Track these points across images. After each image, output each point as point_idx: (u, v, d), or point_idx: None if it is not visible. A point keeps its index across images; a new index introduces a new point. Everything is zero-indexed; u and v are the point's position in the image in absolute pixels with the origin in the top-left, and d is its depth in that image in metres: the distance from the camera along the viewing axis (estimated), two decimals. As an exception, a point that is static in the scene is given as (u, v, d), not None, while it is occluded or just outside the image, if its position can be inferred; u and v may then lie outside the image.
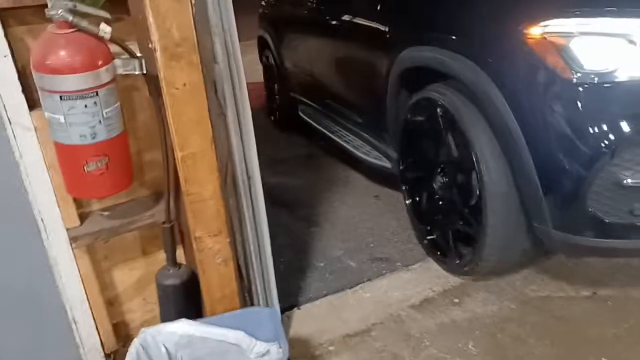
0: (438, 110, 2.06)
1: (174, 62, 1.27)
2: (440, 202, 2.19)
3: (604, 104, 1.57)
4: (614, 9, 1.58)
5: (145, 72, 1.36)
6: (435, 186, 2.20)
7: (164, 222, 1.54)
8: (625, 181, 1.55)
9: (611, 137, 1.54)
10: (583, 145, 1.59)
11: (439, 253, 2.22)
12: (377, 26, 2.48)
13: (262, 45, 4.46)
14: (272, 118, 4.52)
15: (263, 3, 4.36)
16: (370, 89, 2.63)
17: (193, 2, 1.26)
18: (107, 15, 1.25)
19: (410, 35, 2.24)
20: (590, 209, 1.61)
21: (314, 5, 3.28)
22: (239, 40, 1.59)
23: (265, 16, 4.31)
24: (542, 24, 1.63)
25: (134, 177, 1.46)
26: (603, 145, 1.55)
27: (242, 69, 1.59)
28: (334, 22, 3.00)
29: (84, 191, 1.39)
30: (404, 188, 2.46)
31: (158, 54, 1.25)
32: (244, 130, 1.66)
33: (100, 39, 1.24)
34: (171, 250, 1.58)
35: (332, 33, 3.03)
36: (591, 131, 1.57)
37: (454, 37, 1.97)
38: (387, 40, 2.40)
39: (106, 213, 1.57)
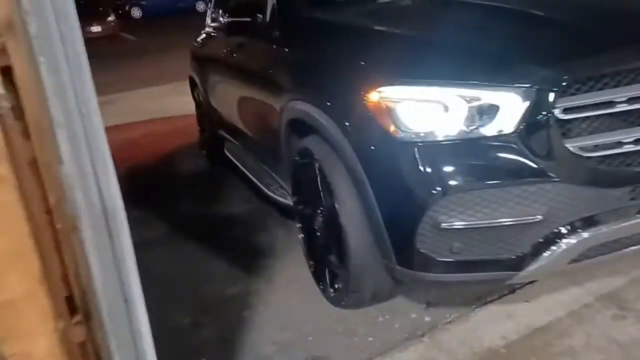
0: (313, 158, 2.32)
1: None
2: (320, 239, 2.44)
3: (425, 160, 1.83)
4: (433, 79, 1.86)
5: None
6: (316, 224, 2.46)
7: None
8: (442, 224, 1.81)
9: (430, 187, 1.81)
10: (408, 194, 1.86)
11: (321, 285, 2.47)
12: (272, 77, 2.75)
13: (192, 84, 4.81)
14: (204, 152, 4.79)
15: (194, 43, 4.65)
16: (270, 131, 2.88)
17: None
18: None
19: (293, 89, 2.52)
20: (420, 248, 1.88)
21: (228, 51, 3.54)
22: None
23: (194, 56, 4.62)
24: (378, 90, 1.91)
25: None
26: (423, 194, 1.82)
27: (110, 166, 1.05)
28: (242, 68, 3.27)
29: None
30: (298, 225, 2.70)
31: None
32: (117, 250, 1.08)
33: None
34: None
35: (242, 78, 3.30)
36: (414, 182, 1.84)
37: (318, 96, 2.25)
38: (279, 91, 2.66)
39: None
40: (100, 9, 18.78)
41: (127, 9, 23.47)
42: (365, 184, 1.98)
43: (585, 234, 1.80)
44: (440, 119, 1.81)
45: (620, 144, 1.78)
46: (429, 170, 1.82)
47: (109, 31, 18.39)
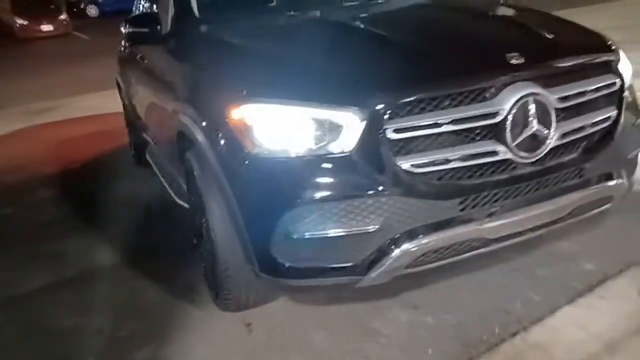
0: (192, 169, 2.45)
1: None
2: (203, 246, 2.57)
3: (276, 175, 1.97)
4: (286, 99, 1.98)
5: None
6: (200, 230, 2.58)
7: None
8: (293, 235, 1.94)
9: (281, 200, 1.95)
10: (264, 207, 2.00)
11: (208, 287, 2.60)
12: (169, 88, 2.86)
13: (119, 87, 4.91)
14: (132, 152, 4.95)
15: (119, 47, 4.73)
16: (170, 139, 2.93)
17: None
18: None
19: (180, 102, 2.63)
20: (276, 257, 2.01)
21: (139, 58, 3.65)
22: None
23: (118, 60, 4.74)
24: (239, 108, 2.04)
25: None
26: (276, 207, 1.95)
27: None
28: (149, 75, 3.39)
29: None
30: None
31: None
32: None
33: None
34: None
35: (149, 84, 3.41)
36: (268, 196, 1.98)
37: (194, 110, 2.37)
38: (172, 102, 2.76)
39: None
40: (52, 6, 18.48)
41: (82, 7, 23.13)
42: (230, 197, 2.10)
43: (419, 242, 1.96)
44: (292, 137, 1.95)
45: (447, 160, 1.95)
46: (280, 185, 1.97)
47: (60, 30, 18.13)
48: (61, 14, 18.63)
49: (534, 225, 2.16)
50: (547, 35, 2.38)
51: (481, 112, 1.95)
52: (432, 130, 1.92)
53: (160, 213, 3.70)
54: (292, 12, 2.99)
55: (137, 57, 3.72)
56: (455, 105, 1.94)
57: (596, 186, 2.25)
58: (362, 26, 2.62)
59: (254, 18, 2.97)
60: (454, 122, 1.93)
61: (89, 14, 23.17)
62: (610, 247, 2.68)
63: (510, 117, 1.96)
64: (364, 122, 1.89)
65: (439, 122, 1.91)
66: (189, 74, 2.65)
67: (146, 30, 2.99)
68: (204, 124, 2.26)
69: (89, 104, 7.58)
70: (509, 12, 3.05)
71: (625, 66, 2.39)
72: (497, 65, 2.04)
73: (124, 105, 4.96)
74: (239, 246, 2.17)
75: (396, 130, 1.89)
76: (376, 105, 1.89)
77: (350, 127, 1.90)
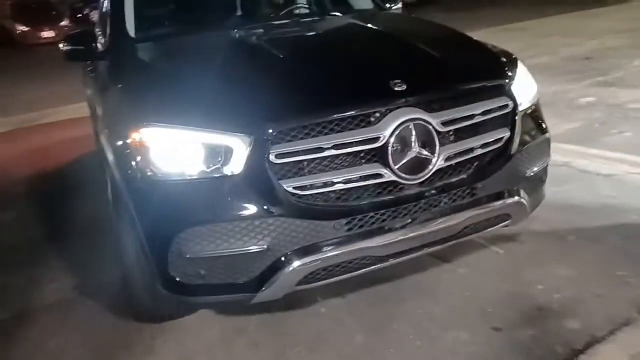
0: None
1: None
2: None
3: (171, 197, 2.02)
4: (181, 124, 2.03)
5: None
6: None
7: None
8: (187, 255, 1.99)
9: (175, 222, 1.99)
10: (161, 227, 2.03)
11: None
12: (101, 105, 2.90)
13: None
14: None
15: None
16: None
17: None
18: None
19: (101, 122, 2.73)
20: (174, 275, 2.05)
21: (90, 72, 3.73)
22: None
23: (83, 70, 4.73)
24: (139, 131, 2.07)
25: None
26: (170, 228, 1.99)
27: None
28: (94, 87, 3.45)
29: None
30: None
31: None
32: None
33: None
34: None
35: (94, 97, 3.48)
36: (164, 217, 2.02)
37: (108, 130, 2.44)
38: (98, 121, 2.85)
39: None
40: (54, 13, 18.68)
41: (85, 13, 23.33)
42: (134, 217, 2.13)
43: (307, 261, 2.02)
44: (185, 161, 2.01)
45: (333, 183, 2.01)
46: (175, 206, 2.03)
47: (62, 37, 18.27)
48: (62, 21, 18.80)
49: (425, 242, 2.22)
50: (439, 59, 2.42)
51: (363, 138, 2.00)
52: (316, 155, 1.97)
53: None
54: (209, 35, 3.04)
55: (89, 73, 3.78)
56: (338, 131, 1.99)
57: (488, 205, 2.29)
58: (264, 51, 2.67)
59: (177, 40, 3.04)
60: (337, 146, 1.99)
61: (93, 20, 23.38)
62: (598, 302, 2.38)
63: (392, 142, 2.01)
64: (250, 148, 1.95)
65: (322, 147, 1.97)
66: (110, 93, 2.71)
67: (82, 48, 3.04)
68: (113, 144, 2.30)
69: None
70: (410, 30, 3.07)
71: (525, 87, 2.44)
72: (380, 92, 2.10)
73: (91, 113, 4.98)
74: (145, 264, 2.19)
75: (279, 156, 1.95)
76: (261, 132, 1.95)
77: (238, 152, 1.96)
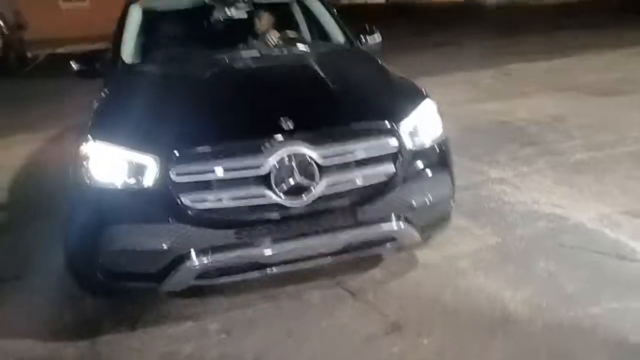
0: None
1: None
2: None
3: (98, 201, 2.58)
4: (111, 141, 2.59)
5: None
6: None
7: None
8: (109, 248, 2.56)
9: (99, 221, 2.56)
10: (90, 223, 2.61)
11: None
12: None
13: None
14: None
15: None
16: None
17: None
18: None
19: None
20: (101, 262, 2.64)
21: None
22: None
23: None
24: (85, 144, 2.66)
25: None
26: (96, 226, 2.56)
27: None
28: None
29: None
30: None
31: None
32: None
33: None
34: None
35: None
36: (92, 216, 2.60)
37: (77, 141, 2.83)
38: None
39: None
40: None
41: None
42: (75, 213, 2.76)
43: (199, 260, 2.52)
44: (112, 172, 2.56)
45: (221, 199, 2.50)
46: (100, 209, 2.58)
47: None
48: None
49: (306, 255, 2.67)
50: (338, 101, 2.83)
51: (250, 165, 2.47)
52: (209, 175, 2.47)
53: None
54: (176, 66, 3.50)
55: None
56: (229, 157, 2.47)
57: (368, 228, 2.67)
58: (198, 83, 3.09)
59: (151, 68, 3.58)
60: (227, 170, 2.46)
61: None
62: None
63: (275, 170, 2.46)
64: (158, 166, 2.47)
65: (213, 169, 2.46)
66: (91, 113, 3.05)
67: (86, 67, 3.67)
68: (74, 152, 2.81)
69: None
70: (336, 70, 3.27)
71: (427, 127, 2.83)
72: (269, 127, 2.53)
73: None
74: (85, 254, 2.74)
75: (179, 174, 2.46)
76: (165, 154, 2.47)
77: (150, 169, 2.49)
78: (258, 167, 2.47)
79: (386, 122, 2.70)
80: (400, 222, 2.71)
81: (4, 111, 8.91)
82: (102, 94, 3.26)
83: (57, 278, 3.28)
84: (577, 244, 3.41)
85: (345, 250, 2.72)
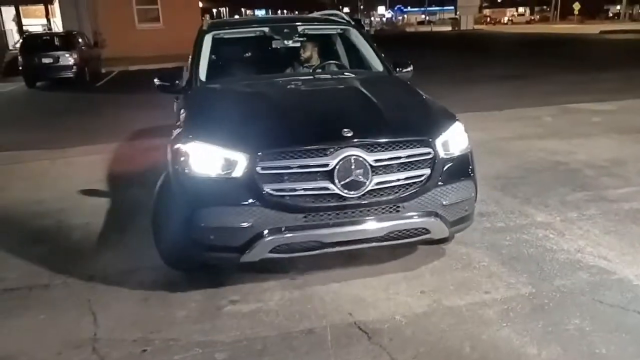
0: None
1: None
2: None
3: (198, 187, 3.19)
4: (209, 142, 3.20)
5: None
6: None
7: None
8: (201, 224, 3.14)
9: (197, 202, 3.17)
10: (188, 204, 3.22)
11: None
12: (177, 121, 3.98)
13: None
14: None
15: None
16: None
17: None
18: None
19: (172, 136, 3.75)
20: (193, 236, 3.21)
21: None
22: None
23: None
24: (185, 144, 3.28)
25: None
26: (194, 205, 3.18)
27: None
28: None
29: None
30: None
31: None
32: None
33: None
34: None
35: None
36: (191, 198, 3.21)
37: (170, 142, 3.54)
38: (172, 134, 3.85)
39: None
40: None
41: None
42: (175, 196, 3.33)
43: (274, 237, 3.10)
44: (208, 165, 3.17)
45: (295, 189, 3.10)
46: (197, 193, 3.19)
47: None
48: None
49: (357, 238, 3.21)
50: (384, 117, 3.43)
51: (318, 163, 3.09)
52: (287, 170, 3.09)
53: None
54: (247, 83, 4.34)
55: (175, 99, 4.98)
56: (302, 157, 3.09)
57: (407, 220, 3.24)
58: (272, 97, 3.84)
59: (226, 84, 4.35)
60: (301, 166, 3.08)
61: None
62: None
63: (337, 168, 3.07)
64: (247, 161, 3.08)
65: (290, 166, 3.09)
66: (180, 119, 3.81)
67: (168, 84, 4.36)
68: (171, 150, 3.44)
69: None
70: (381, 92, 3.93)
71: (451, 140, 3.38)
72: (334, 136, 3.15)
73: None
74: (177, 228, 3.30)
75: (263, 168, 3.08)
76: (253, 153, 3.09)
77: (240, 163, 3.10)
78: (325, 165, 3.08)
79: (425, 137, 3.30)
80: (433, 217, 3.28)
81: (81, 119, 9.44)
82: (188, 104, 3.99)
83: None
84: (618, 302, 3.15)
85: (387, 238, 3.24)
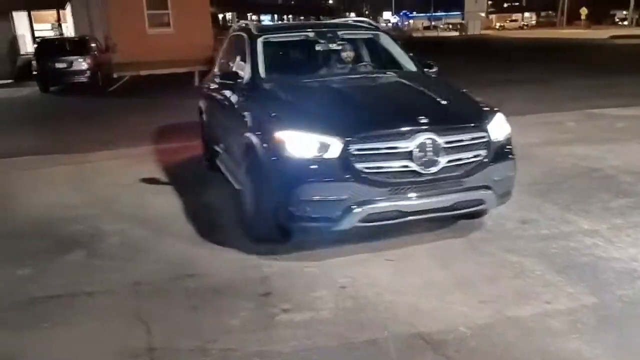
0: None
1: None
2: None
3: (297, 167, 3.71)
4: (303, 129, 3.75)
5: None
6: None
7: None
8: (301, 198, 3.68)
9: (298, 179, 3.70)
10: (289, 182, 3.73)
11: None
12: (241, 117, 4.54)
13: (199, 111, 6.52)
14: (206, 161, 6.38)
15: (203, 85, 6.28)
16: (238, 147, 4.55)
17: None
18: None
19: (247, 127, 4.35)
20: (290, 209, 3.75)
21: (222, 96, 5.29)
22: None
23: (202, 93, 6.41)
24: (279, 132, 3.81)
25: None
26: (295, 182, 3.70)
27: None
28: (228, 107, 5.04)
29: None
30: None
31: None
32: None
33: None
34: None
35: (227, 114, 5.15)
36: (292, 176, 3.73)
37: (254, 131, 4.17)
38: (243, 126, 4.42)
39: None
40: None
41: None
42: (270, 177, 3.84)
43: (365, 207, 3.64)
44: (305, 148, 3.70)
45: (382, 167, 3.66)
46: (298, 171, 3.70)
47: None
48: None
49: (431, 208, 3.77)
50: (446, 106, 4.20)
51: (401, 145, 3.68)
52: (375, 151, 3.68)
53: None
54: (312, 80, 4.88)
55: (220, 95, 5.34)
56: (388, 140, 3.69)
57: (469, 192, 3.85)
58: (349, 91, 4.51)
59: (294, 80, 4.84)
60: (387, 148, 3.68)
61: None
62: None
63: (416, 149, 3.67)
64: (342, 144, 3.63)
65: (378, 147, 3.69)
66: (254, 111, 4.40)
67: (231, 82, 4.97)
68: (259, 138, 4.01)
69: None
70: (430, 86, 4.69)
71: (498, 127, 4.01)
72: (412, 122, 3.77)
73: (201, 125, 6.50)
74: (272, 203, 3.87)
75: (356, 149, 3.64)
76: (347, 136, 3.64)
77: (334, 146, 3.65)
78: (406, 147, 3.67)
79: (481, 123, 3.98)
80: (488, 190, 3.91)
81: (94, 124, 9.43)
82: (259, 98, 4.54)
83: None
84: (687, 313, 3.06)
85: (452, 208, 3.83)
